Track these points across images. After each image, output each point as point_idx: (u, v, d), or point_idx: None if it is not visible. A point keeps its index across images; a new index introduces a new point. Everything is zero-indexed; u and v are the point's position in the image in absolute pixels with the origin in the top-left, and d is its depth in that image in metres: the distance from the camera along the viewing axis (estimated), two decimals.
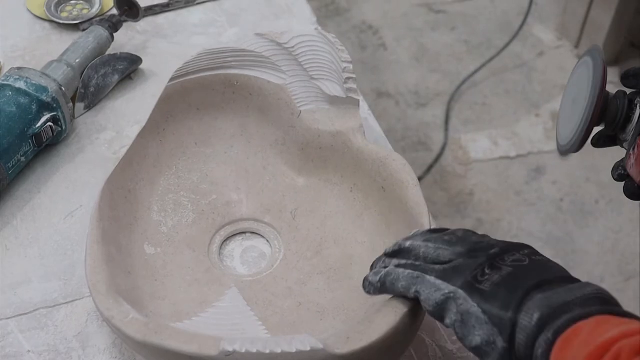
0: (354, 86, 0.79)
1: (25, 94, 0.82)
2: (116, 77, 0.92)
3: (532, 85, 1.96)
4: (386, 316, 0.61)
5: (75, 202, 0.82)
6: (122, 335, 0.62)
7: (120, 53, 0.93)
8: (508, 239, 0.64)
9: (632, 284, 1.58)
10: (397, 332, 0.61)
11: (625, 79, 0.65)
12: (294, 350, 0.57)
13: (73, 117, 0.88)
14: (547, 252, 1.69)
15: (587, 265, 1.62)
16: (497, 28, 2.09)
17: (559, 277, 0.55)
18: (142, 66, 0.95)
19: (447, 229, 0.63)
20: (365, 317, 0.63)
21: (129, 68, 0.93)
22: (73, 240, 0.78)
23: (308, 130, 0.80)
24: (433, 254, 0.60)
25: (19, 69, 0.85)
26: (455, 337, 0.65)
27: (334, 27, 2.07)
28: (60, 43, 0.97)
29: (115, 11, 0.96)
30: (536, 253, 0.58)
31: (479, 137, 1.85)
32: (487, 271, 0.56)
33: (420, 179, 0.89)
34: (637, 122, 0.62)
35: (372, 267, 0.64)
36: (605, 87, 0.62)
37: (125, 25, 0.97)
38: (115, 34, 0.95)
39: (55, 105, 0.83)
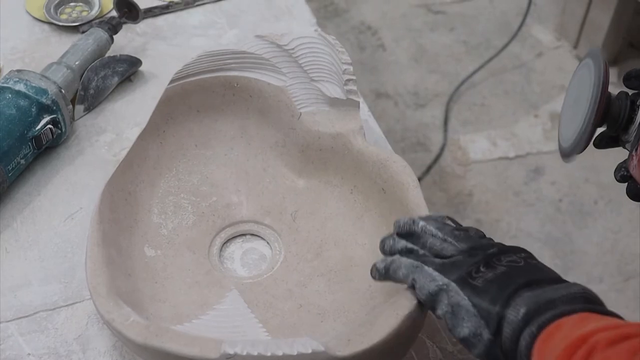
0: (354, 88, 0.79)
1: (25, 96, 0.82)
2: (116, 79, 0.92)
3: (530, 85, 1.96)
4: (387, 318, 0.61)
5: (75, 205, 0.82)
6: (122, 338, 0.62)
7: (120, 55, 0.93)
8: (507, 240, 0.65)
9: (632, 284, 1.58)
10: (399, 334, 0.61)
11: (627, 80, 0.65)
12: (295, 353, 0.57)
13: (73, 119, 0.88)
14: (546, 253, 1.69)
15: (586, 265, 1.62)
16: (495, 28, 2.09)
17: (548, 278, 0.57)
18: (141, 68, 0.95)
19: (461, 225, 0.65)
20: (367, 319, 0.63)
21: (128, 70, 0.93)
22: (73, 243, 0.78)
23: (308, 132, 0.80)
24: (438, 247, 0.62)
25: (18, 71, 0.85)
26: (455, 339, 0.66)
27: (332, 27, 2.07)
28: (59, 45, 0.97)
29: (114, 13, 0.96)
30: (532, 257, 0.60)
31: (478, 138, 1.85)
32: (482, 269, 0.58)
33: (419, 179, 0.89)
34: (639, 123, 0.62)
35: (381, 243, 0.66)
36: (607, 88, 0.62)
37: (124, 27, 0.97)
38: (114, 36, 0.94)
39: (54, 108, 0.83)
